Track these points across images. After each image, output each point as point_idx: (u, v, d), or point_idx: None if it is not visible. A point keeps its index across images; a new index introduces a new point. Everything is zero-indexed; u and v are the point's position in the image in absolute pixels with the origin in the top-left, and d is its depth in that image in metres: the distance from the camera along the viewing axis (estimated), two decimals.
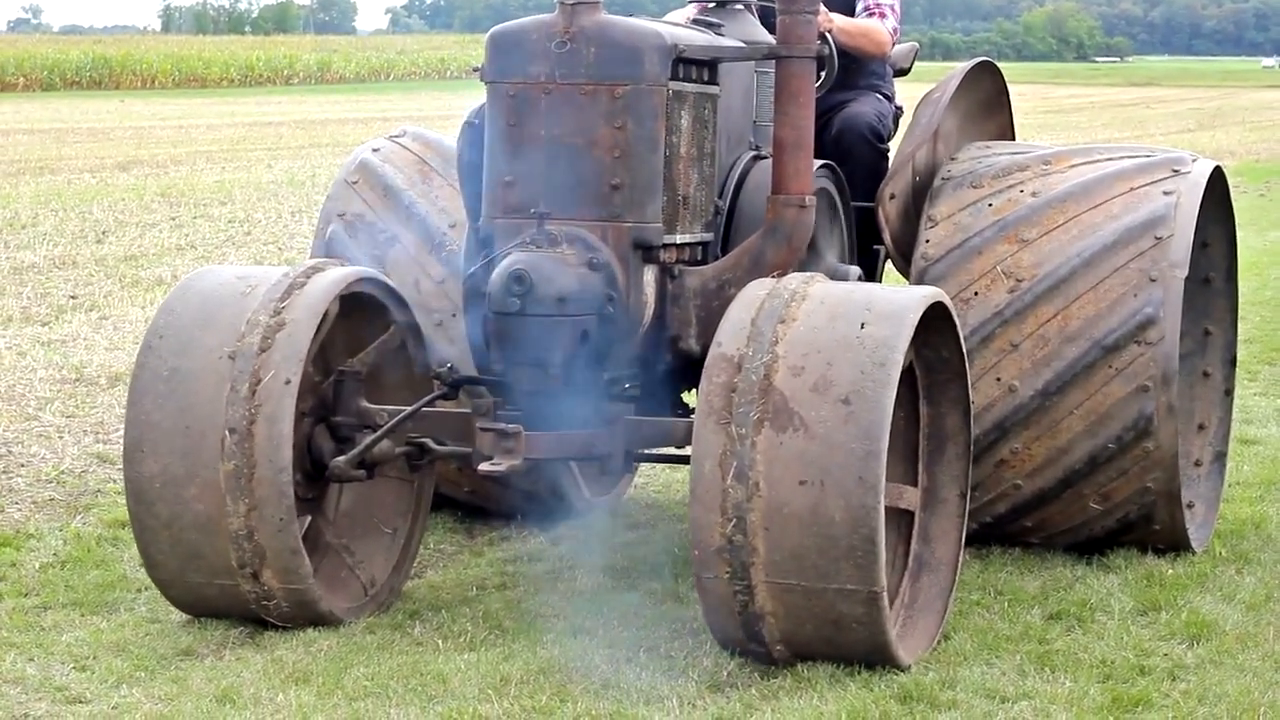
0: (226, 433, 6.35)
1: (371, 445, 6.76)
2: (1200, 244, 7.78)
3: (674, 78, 6.66)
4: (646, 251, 6.64)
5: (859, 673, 6.11)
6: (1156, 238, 7.41)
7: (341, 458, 6.75)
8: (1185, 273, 7.38)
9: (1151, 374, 7.32)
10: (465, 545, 8.01)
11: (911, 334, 6.05)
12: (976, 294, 7.46)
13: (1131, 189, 7.58)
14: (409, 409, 6.79)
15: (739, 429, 5.94)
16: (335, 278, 6.71)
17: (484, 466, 6.48)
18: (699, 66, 6.87)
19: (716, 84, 7.00)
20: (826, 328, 6.05)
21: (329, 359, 6.89)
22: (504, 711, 5.82)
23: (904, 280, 7.84)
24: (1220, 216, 8.12)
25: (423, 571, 7.59)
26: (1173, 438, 7.37)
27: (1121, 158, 7.82)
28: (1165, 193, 7.53)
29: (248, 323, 6.48)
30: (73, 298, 14.87)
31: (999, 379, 7.42)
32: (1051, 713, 5.90)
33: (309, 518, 6.84)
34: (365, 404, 6.88)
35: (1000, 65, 8.56)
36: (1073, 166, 7.76)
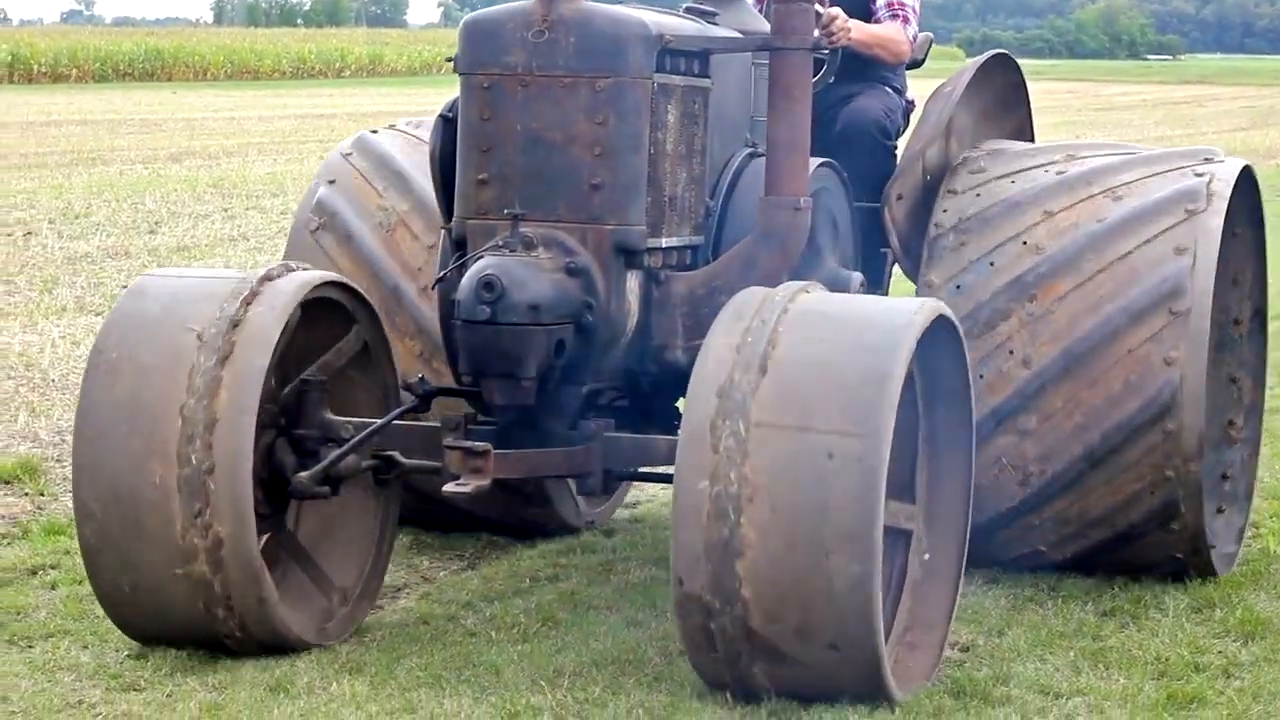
0: (191, 560, 5.98)
1: (337, 460, 6.33)
2: None
3: (660, 69, 6.26)
4: (629, 256, 6.22)
5: None
6: (1173, 313, 6.96)
7: (304, 473, 6.30)
8: (1206, 352, 6.98)
9: (1175, 463, 6.96)
10: (517, 537, 8.01)
11: (880, 569, 5.50)
12: (982, 377, 7.03)
13: (1144, 241, 7.08)
14: (377, 422, 6.38)
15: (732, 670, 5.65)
16: (268, 331, 6.08)
17: (449, 488, 6.00)
18: (688, 58, 6.45)
19: (708, 76, 6.60)
20: (787, 557, 5.45)
21: (291, 366, 6.45)
22: (557, 703, 5.82)
23: (912, 286, 7.57)
24: (1246, 184, 7.52)
25: (476, 563, 7.61)
26: (1198, 514, 7.06)
27: (1134, 181, 7.27)
28: (1178, 250, 7.03)
29: (183, 418, 5.94)
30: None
31: (1014, 468, 7.08)
32: (1106, 709, 5.88)
33: (268, 535, 6.47)
34: (330, 416, 6.43)
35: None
36: (1077, 204, 7.24)
